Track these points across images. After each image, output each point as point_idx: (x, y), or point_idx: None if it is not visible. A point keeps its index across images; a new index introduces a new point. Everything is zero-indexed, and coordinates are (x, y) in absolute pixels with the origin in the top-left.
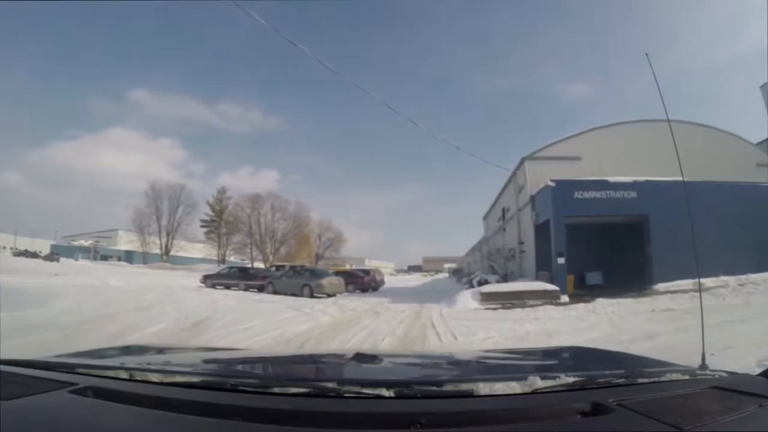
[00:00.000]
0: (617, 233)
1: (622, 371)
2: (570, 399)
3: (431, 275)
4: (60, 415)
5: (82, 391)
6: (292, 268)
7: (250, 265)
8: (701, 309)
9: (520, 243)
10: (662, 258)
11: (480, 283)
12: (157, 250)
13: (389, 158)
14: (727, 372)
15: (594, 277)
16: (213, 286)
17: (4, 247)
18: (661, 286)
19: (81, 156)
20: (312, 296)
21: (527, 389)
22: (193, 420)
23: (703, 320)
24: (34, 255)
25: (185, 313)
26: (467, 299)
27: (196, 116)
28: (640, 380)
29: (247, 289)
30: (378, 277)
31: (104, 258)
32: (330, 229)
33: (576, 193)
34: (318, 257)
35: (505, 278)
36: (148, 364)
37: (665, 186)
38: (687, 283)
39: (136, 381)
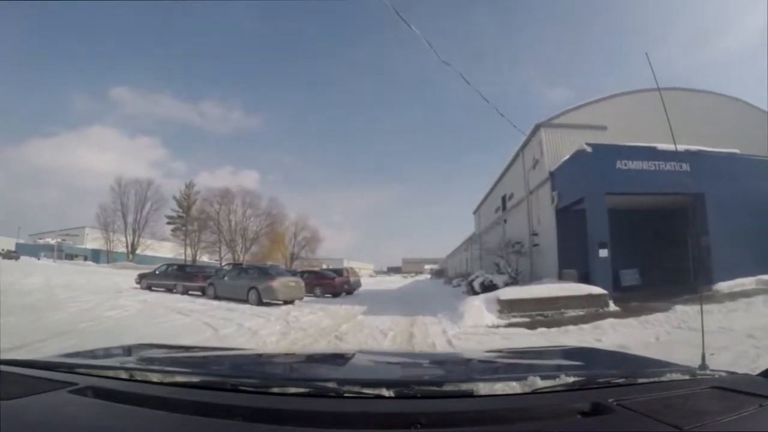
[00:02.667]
0: (658, 219)
1: (622, 371)
2: (570, 399)
3: (411, 276)
4: (60, 415)
5: (82, 391)
6: (238, 266)
7: (219, 263)
8: (701, 309)
9: (533, 234)
10: (722, 250)
11: (485, 286)
12: (124, 249)
13: (369, 160)
14: (727, 372)
15: (630, 276)
16: (149, 287)
17: None
18: (722, 286)
19: (58, 153)
20: (260, 303)
21: (527, 389)
22: (193, 420)
23: (703, 319)
24: None
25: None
26: (479, 310)
27: (177, 115)
28: (640, 380)
29: (186, 292)
30: (353, 279)
31: (70, 257)
32: (306, 228)
33: (618, 162)
34: (293, 257)
35: (515, 280)
36: (148, 364)
37: (723, 159)
38: (749, 281)
39: (136, 381)
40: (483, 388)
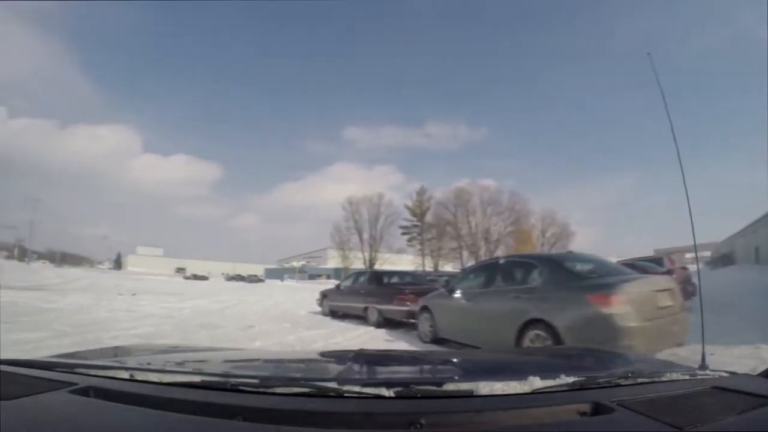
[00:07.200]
0: None
1: (622, 371)
2: (570, 399)
3: None
4: (60, 415)
5: (82, 391)
6: (492, 262)
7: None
8: (700, 302)
9: None
10: None
11: None
12: (362, 265)
13: (601, 150)
14: (727, 372)
15: None
16: (331, 312)
17: (223, 273)
18: None
19: (306, 192)
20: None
21: (527, 389)
22: (193, 420)
23: (702, 317)
24: (241, 278)
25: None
26: None
27: (406, 142)
28: (640, 380)
29: (383, 322)
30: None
31: (313, 277)
32: (554, 223)
33: None
34: None
35: None
36: (148, 364)
37: None
38: None
39: (136, 381)
40: (483, 388)
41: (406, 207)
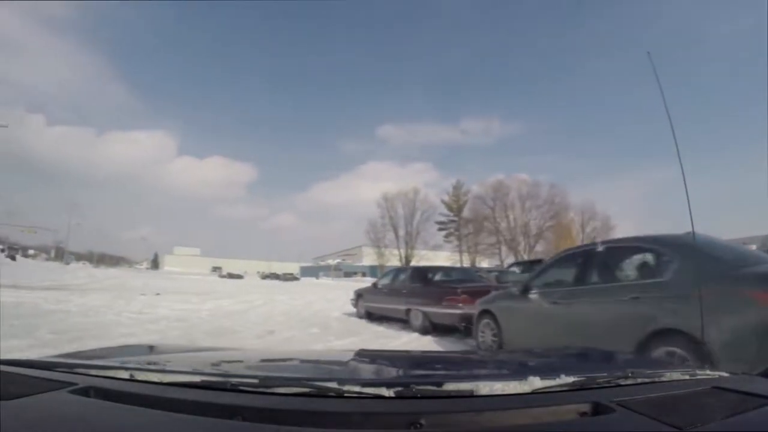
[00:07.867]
0: None
1: (622, 371)
2: (570, 399)
3: None
4: (60, 415)
5: (82, 391)
6: (586, 252)
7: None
8: (700, 302)
9: None
10: None
11: None
12: (398, 263)
13: (635, 141)
14: (727, 372)
15: None
16: (368, 314)
17: (259, 272)
18: None
19: (339, 190)
20: None
21: (527, 389)
22: (193, 420)
23: (703, 317)
24: (276, 277)
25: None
26: None
27: (440, 139)
28: (640, 380)
29: (430, 327)
30: None
31: (348, 275)
32: (594, 217)
33: None
34: None
35: None
36: (148, 364)
37: None
38: None
39: (136, 381)
40: (483, 388)
41: (443, 202)
